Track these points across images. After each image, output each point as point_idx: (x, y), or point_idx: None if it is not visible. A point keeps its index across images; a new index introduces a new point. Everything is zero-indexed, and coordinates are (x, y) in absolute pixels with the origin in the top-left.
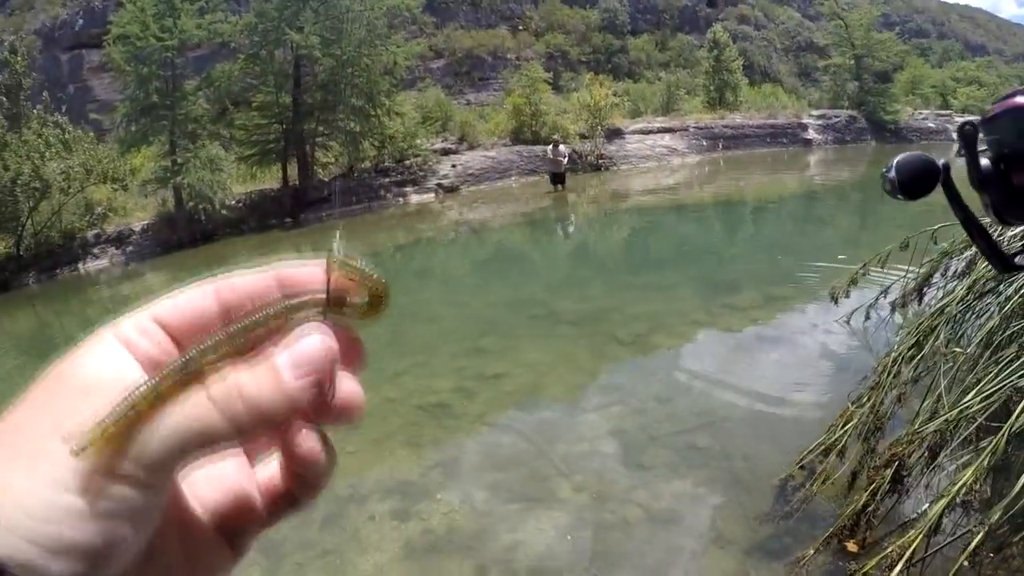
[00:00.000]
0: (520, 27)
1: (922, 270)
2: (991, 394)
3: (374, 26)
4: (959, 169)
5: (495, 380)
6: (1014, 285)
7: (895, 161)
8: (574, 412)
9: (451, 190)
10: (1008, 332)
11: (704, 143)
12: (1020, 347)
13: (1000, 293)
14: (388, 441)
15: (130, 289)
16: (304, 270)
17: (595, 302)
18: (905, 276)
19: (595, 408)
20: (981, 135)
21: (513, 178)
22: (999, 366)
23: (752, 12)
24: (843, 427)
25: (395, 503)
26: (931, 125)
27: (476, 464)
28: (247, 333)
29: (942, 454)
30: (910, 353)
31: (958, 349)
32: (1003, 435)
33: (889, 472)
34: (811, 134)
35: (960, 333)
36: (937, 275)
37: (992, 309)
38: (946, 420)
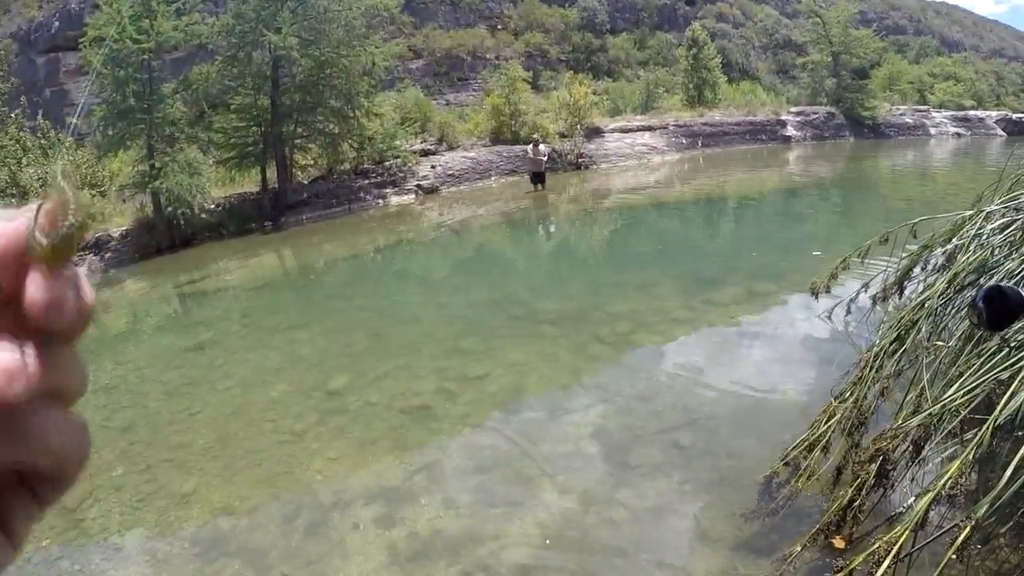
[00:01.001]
0: (499, 26)
1: (902, 264)
2: (974, 387)
3: (352, 26)
4: None
5: (478, 381)
6: (995, 278)
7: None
8: (557, 412)
9: (431, 191)
10: None
11: (684, 141)
12: (1002, 340)
13: (980, 287)
14: (371, 446)
15: (110, 295)
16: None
17: (577, 301)
18: (886, 270)
19: (578, 408)
20: None
21: (493, 178)
22: (981, 359)
23: (730, 10)
24: (827, 422)
25: (379, 509)
26: (908, 121)
27: (460, 467)
28: None
29: (927, 448)
30: (892, 347)
31: (940, 343)
32: (988, 428)
33: (874, 467)
34: (790, 131)
35: (941, 327)
36: (917, 269)
37: None
38: (930, 414)
